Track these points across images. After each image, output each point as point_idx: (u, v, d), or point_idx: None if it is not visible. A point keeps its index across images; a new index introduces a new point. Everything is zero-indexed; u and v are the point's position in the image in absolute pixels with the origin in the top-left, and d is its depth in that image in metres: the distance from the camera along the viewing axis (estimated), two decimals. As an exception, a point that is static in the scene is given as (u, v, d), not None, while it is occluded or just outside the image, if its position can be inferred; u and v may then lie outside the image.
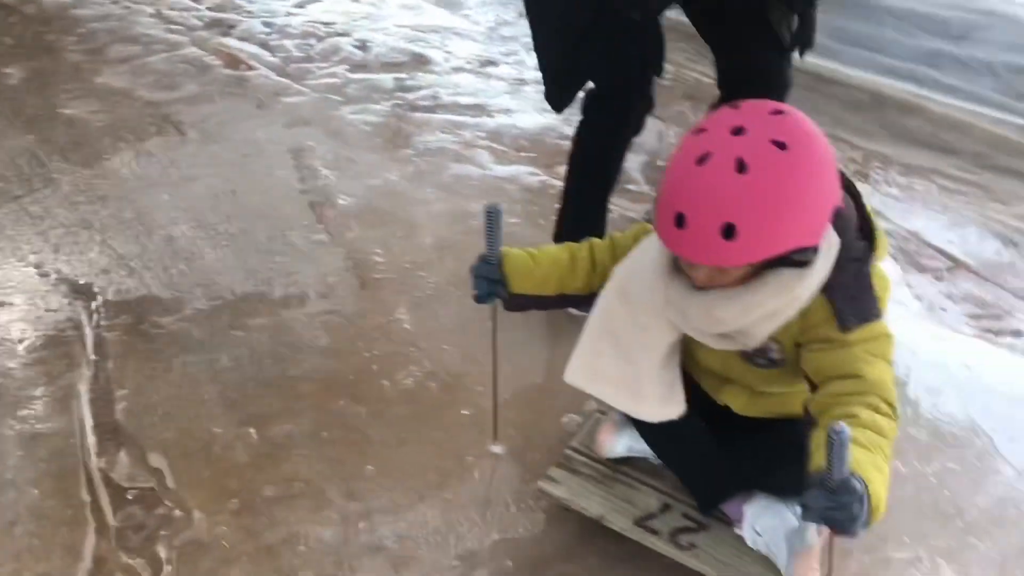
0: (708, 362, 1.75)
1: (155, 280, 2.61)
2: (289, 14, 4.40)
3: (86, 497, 1.96)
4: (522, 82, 3.87)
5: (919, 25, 3.71)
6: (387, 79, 3.82)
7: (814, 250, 1.46)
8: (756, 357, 1.64)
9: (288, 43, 4.11)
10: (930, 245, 2.96)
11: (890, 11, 3.74)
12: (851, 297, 1.51)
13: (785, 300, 1.49)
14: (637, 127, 2.44)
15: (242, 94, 3.66)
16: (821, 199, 1.43)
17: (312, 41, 4.13)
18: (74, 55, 3.91)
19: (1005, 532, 1.99)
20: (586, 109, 2.43)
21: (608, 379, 1.73)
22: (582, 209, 2.55)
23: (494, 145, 3.37)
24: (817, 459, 1.34)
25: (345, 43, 4.11)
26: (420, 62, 3.99)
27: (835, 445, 1.24)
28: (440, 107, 3.62)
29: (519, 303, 1.82)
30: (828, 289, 1.51)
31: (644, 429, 1.84)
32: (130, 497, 1.97)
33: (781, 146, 1.37)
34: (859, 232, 1.55)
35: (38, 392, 2.23)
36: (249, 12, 4.40)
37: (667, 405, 1.73)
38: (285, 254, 2.74)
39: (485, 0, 4.75)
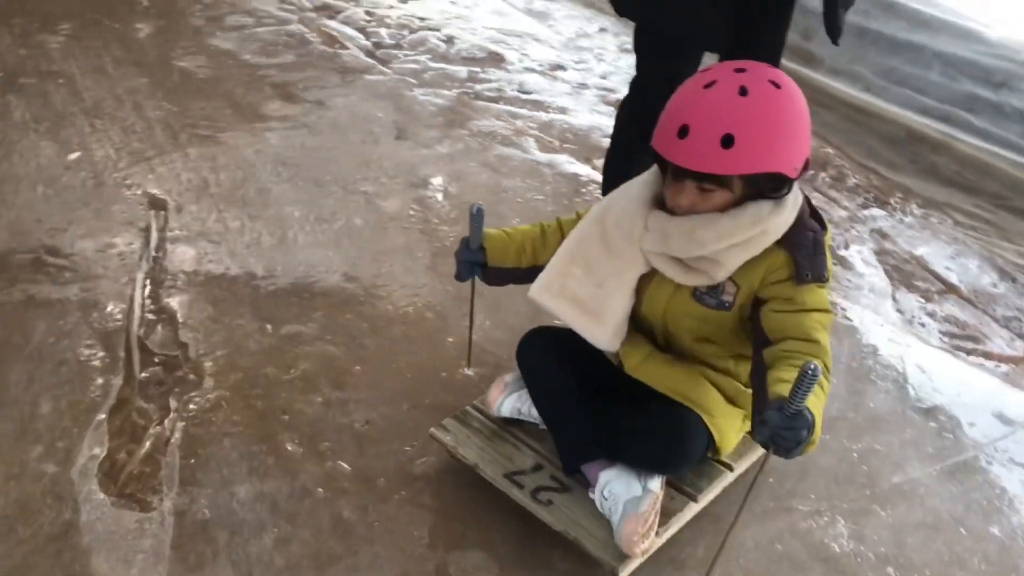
0: (652, 301, 1.85)
1: (221, 203, 3.03)
2: (391, 7, 4.85)
3: (122, 354, 2.36)
4: (584, 86, 4.19)
5: (962, 70, 3.86)
6: (462, 71, 4.20)
7: (789, 186, 1.69)
8: (708, 296, 1.78)
9: (383, 31, 4.55)
10: (928, 269, 3.13)
11: (938, 55, 3.90)
12: (809, 255, 1.71)
13: (757, 231, 1.68)
14: None
15: (331, 68, 4.10)
16: (803, 138, 1.65)
17: (405, 32, 4.56)
18: (196, 20, 4.43)
19: (908, 506, 2.18)
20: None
21: (573, 298, 1.85)
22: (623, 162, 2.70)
23: (542, 135, 3.70)
24: (775, 391, 1.54)
25: (433, 37, 4.52)
26: (496, 60, 4.36)
27: (806, 378, 1.41)
28: (503, 99, 3.98)
29: (497, 277, 2.00)
30: (789, 245, 1.72)
31: (532, 385, 1.99)
32: (157, 360, 2.36)
33: (776, 85, 1.62)
34: (815, 216, 1.79)
35: (101, 270, 2.65)
36: (356, 1, 4.87)
37: (616, 336, 1.86)
38: (335, 196, 3.13)
39: (572, 14, 5.11)
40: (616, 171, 2.72)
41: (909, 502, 2.19)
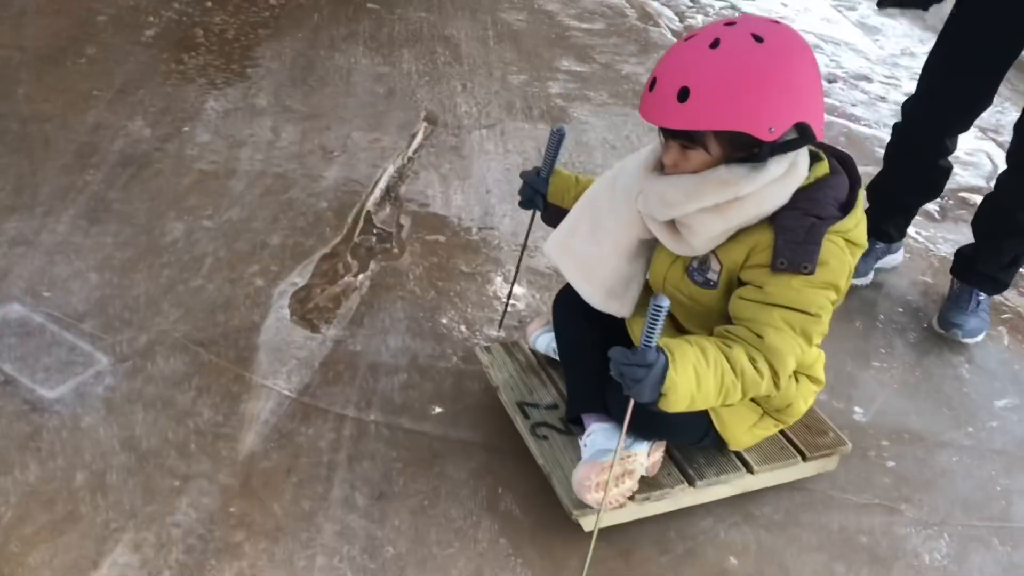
0: (654, 270, 1.81)
1: (482, 126, 3.38)
2: (717, -1, 4.97)
3: (350, 220, 2.78)
4: (883, 99, 4.05)
5: None
6: (760, 63, 4.23)
7: (766, 149, 1.53)
8: (696, 273, 1.70)
9: (700, 17, 4.70)
10: None
11: None
12: (794, 242, 1.56)
13: (728, 195, 1.56)
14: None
15: (634, 40, 4.33)
16: (780, 96, 1.49)
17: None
18: (533, -17, 4.87)
19: (1036, 553, 2.00)
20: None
21: (573, 255, 1.82)
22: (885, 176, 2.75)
23: (813, 133, 3.65)
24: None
25: (747, 30, 4.58)
26: (800, 60, 4.33)
27: (650, 312, 1.39)
28: (789, 94, 3.96)
29: (556, 217, 1.92)
30: (778, 227, 1.58)
31: (558, 330, 2.00)
32: (374, 231, 2.75)
33: (758, 39, 1.48)
34: (840, 206, 1.62)
35: (363, 155, 3.10)
36: (686, -11, 5.05)
37: (613, 299, 1.80)
38: (585, 150, 3.36)
39: (906, 33, 4.91)
40: (878, 184, 2.71)
41: (1038, 550, 2.00)
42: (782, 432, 2.00)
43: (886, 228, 2.74)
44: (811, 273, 1.56)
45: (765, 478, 1.98)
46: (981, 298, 2.62)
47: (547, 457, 1.90)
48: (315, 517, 1.86)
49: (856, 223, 1.64)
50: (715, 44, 1.49)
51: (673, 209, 1.62)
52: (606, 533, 1.86)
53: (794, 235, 1.57)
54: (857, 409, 2.32)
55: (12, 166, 2.81)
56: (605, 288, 1.80)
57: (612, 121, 3.56)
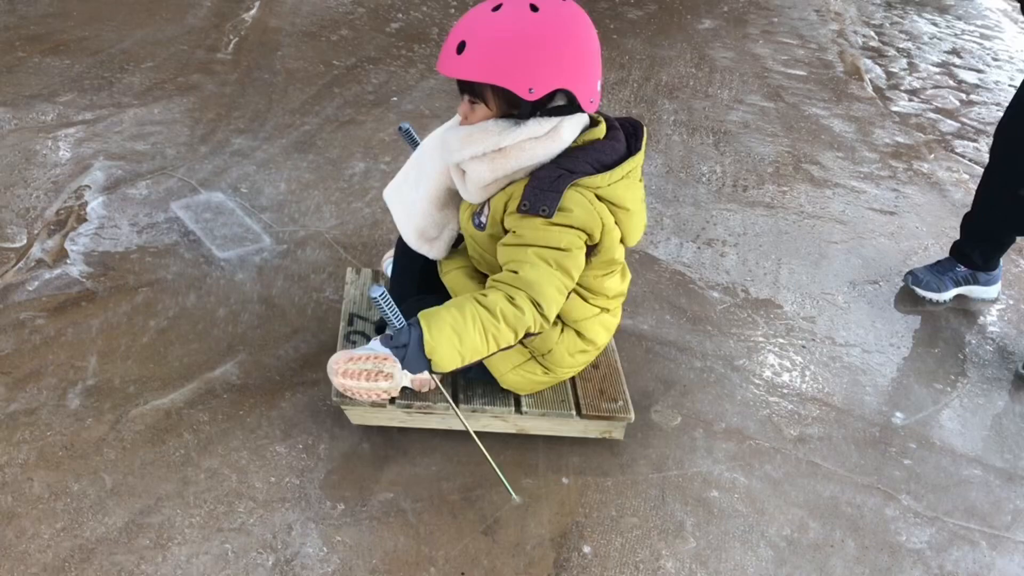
0: (460, 218, 2.00)
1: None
2: (937, 64, 4.98)
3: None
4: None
5: None
6: (953, 126, 4.26)
7: (526, 107, 1.73)
8: (475, 217, 1.90)
9: (909, 79, 4.75)
10: None
11: None
12: (539, 189, 1.75)
13: (490, 145, 1.76)
14: None
15: (830, 88, 4.49)
16: (542, 61, 1.68)
17: (929, 87, 4.70)
18: (752, 28, 5.14)
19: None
20: None
21: (400, 200, 2.05)
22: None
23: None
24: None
25: (954, 96, 4.60)
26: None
27: (379, 306, 1.62)
28: (979, 163, 3.99)
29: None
30: (532, 176, 1.77)
31: (395, 254, 2.21)
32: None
33: (534, 8, 1.67)
34: (600, 166, 1.79)
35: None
36: (907, 54, 5.10)
37: (424, 242, 2.01)
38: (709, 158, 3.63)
39: None
40: (971, 207, 2.83)
41: (1030, 562, 2.05)
42: (573, 389, 2.15)
43: (968, 252, 2.81)
44: (549, 216, 1.74)
45: (539, 423, 2.11)
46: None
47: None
48: (381, 378, 2.30)
49: (610, 183, 1.80)
50: (497, 8, 1.70)
51: (453, 154, 1.84)
52: (607, 440, 2.17)
53: (541, 183, 1.76)
54: (898, 414, 2.44)
55: (254, 103, 3.55)
56: (419, 231, 2.02)
57: (778, 149, 3.78)
